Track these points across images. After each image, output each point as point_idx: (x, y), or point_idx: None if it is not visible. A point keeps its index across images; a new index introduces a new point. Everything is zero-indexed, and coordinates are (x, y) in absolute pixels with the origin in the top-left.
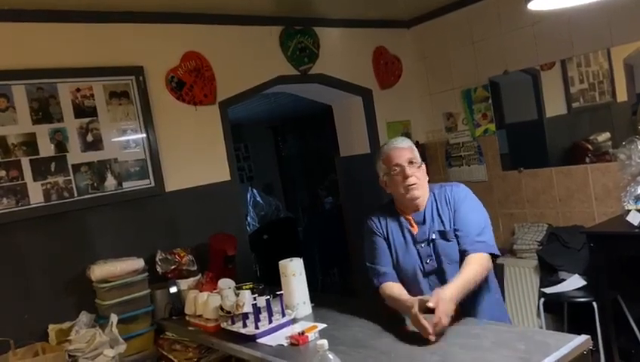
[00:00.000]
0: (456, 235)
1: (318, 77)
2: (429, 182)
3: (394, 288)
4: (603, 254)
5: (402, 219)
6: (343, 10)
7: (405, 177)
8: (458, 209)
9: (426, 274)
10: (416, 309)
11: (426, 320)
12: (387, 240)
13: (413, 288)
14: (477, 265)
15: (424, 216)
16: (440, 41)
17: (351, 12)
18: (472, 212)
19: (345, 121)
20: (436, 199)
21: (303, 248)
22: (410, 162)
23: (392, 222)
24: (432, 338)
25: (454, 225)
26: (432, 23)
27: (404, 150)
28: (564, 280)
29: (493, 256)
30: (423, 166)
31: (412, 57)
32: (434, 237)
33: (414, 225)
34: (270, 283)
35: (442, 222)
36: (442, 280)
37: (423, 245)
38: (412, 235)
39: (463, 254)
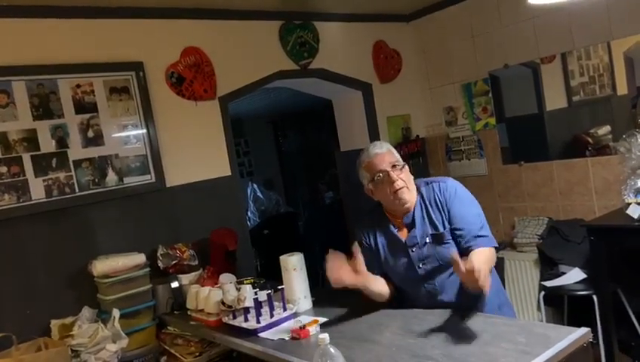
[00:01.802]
0: (455, 234)
1: (318, 71)
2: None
3: None
4: (603, 247)
5: (391, 225)
6: (342, 4)
7: (391, 182)
8: (452, 206)
9: (420, 278)
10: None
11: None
12: (376, 249)
13: (409, 292)
14: (487, 251)
15: (413, 218)
16: (440, 34)
17: (350, 6)
18: (466, 207)
19: (345, 115)
20: (424, 200)
21: (303, 243)
22: (394, 166)
23: (380, 229)
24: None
25: (451, 224)
26: (431, 16)
27: (385, 155)
28: (564, 273)
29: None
30: (406, 167)
31: (412, 51)
32: (427, 240)
33: (404, 229)
34: (271, 278)
35: (434, 224)
36: (438, 282)
37: (414, 249)
38: (402, 241)
39: (466, 251)
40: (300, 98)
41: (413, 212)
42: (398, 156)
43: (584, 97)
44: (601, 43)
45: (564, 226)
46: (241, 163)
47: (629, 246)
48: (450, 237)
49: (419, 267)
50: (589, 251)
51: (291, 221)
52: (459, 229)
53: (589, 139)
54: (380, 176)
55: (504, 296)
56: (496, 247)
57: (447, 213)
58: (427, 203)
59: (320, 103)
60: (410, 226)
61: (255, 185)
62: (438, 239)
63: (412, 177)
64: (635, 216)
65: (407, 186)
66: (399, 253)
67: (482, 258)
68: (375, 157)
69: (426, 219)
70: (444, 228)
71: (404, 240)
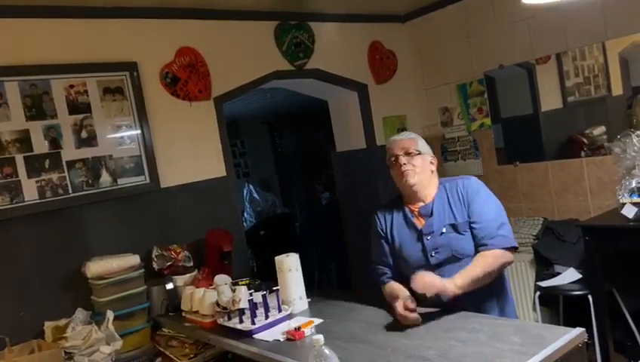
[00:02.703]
0: (472, 228)
1: (314, 72)
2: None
3: (391, 287)
4: (598, 247)
5: (408, 211)
6: (338, 4)
7: (399, 165)
8: (472, 201)
9: (432, 268)
10: (398, 300)
11: (401, 307)
12: (390, 236)
13: None
14: (491, 258)
15: (432, 209)
16: (435, 35)
17: (346, 6)
18: (487, 204)
19: (341, 116)
20: (447, 192)
21: (299, 244)
22: (407, 152)
23: (397, 215)
24: (412, 317)
25: (470, 218)
26: (427, 17)
27: (401, 141)
28: (559, 273)
29: (513, 250)
30: (426, 156)
31: (407, 52)
32: (444, 230)
33: (421, 218)
34: (268, 279)
35: (454, 214)
36: (448, 273)
37: (429, 238)
38: (417, 228)
39: (479, 247)
40: (296, 99)
41: (433, 203)
42: (418, 145)
43: (579, 98)
44: (595, 43)
45: (560, 226)
46: (238, 164)
47: (624, 246)
48: (468, 229)
49: (431, 255)
50: (584, 251)
51: (287, 222)
52: (476, 223)
53: (584, 140)
54: (392, 159)
55: (511, 306)
56: (515, 248)
57: (467, 207)
58: (449, 195)
59: (316, 104)
60: (429, 216)
61: (251, 186)
62: (455, 228)
63: (430, 168)
64: (630, 216)
65: (414, 170)
66: (414, 240)
67: (480, 262)
68: (392, 143)
69: (446, 210)
70: (463, 218)
71: (420, 228)
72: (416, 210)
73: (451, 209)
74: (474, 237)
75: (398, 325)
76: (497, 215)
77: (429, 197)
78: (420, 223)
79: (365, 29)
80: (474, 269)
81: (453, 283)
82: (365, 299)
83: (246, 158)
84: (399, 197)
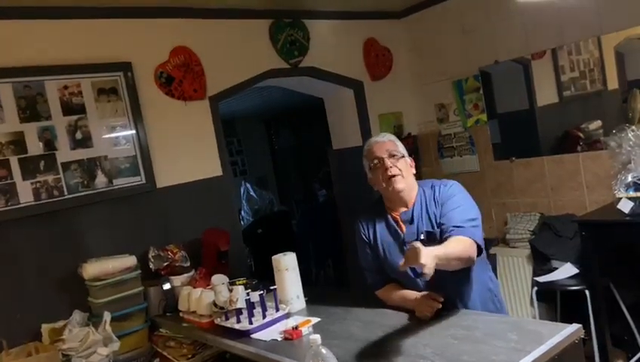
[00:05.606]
0: (441, 224)
1: (309, 70)
2: (420, 178)
3: (390, 293)
4: (595, 242)
5: (390, 218)
6: (332, 1)
7: (385, 169)
8: (445, 203)
9: (416, 274)
10: (421, 294)
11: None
12: (374, 243)
13: (405, 287)
14: (459, 242)
15: (412, 215)
16: (430, 31)
17: (341, 3)
18: (458, 208)
19: (337, 113)
20: (426, 198)
21: (297, 242)
22: (391, 155)
23: (379, 222)
24: (439, 303)
25: (440, 217)
26: (422, 13)
27: (383, 143)
28: (556, 268)
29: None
30: (408, 159)
31: (403, 48)
32: (422, 238)
33: (402, 224)
34: (265, 278)
35: (430, 221)
36: (433, 281)
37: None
38: (400, 235)
39: (449, 232)
40: (292, 96)
41: (413, 209)
42: (399, 147)
43: (575, 92)
44: (591, 38)
45: (556, 222)
46: (234, 162)
47: (621, 241)
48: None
49: None
50: (580, 246)
51: (285, 220)
52: (445, 216)
53: (580, 135)
54: (375, 162)
55: (493, 292)
56: (478, 246)
57: (440, 211)
58: (428, 200)
59: (312, 102)
60: (409, 222)
61: (248, 185)
62: (432, 236)
63: (413, 172)
64: (626, 211)
65: (401, 175)
66: (397, 247)
67: (456, 243)
68: (374, 145)
69: (424, 216)
70: (437, 225)
71: (402, 235)
72: (398, 216)
73: (429, 215)
74: (442, 228)
75: (416, 317)
76: (469, 212)
77: (411, 202)
78: (402, 230)
79: (360, 25)
80: (450, 247)
81: (432, 256)
82: (363, 298)
83: (242, 157)
84: (379, 201)
